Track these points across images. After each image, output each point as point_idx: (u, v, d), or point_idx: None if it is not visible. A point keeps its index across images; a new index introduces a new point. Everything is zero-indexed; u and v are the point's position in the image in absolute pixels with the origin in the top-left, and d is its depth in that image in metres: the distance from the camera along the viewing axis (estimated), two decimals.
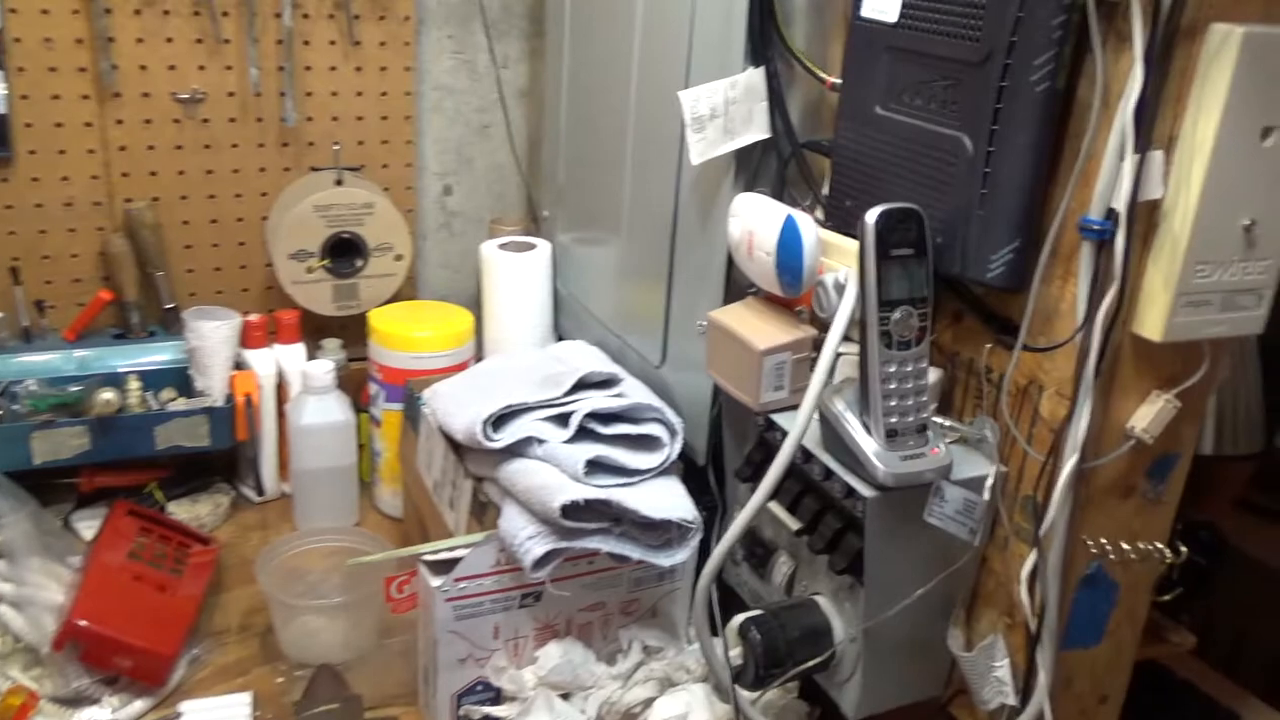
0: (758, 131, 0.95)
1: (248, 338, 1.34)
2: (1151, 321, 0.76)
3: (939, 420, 0.90)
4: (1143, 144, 0.71)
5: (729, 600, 1.05)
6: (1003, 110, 0.77)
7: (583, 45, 1.28)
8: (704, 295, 1.03)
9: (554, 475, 0.94)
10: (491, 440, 0.98)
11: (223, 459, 1.36)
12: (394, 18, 1.34)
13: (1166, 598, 0.91)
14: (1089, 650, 0.90)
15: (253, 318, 1.34)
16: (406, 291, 1.45)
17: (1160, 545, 0.88)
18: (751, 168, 0.98)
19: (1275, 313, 1.76)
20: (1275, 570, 1.95)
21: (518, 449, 0.99)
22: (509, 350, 1.32)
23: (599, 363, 1.07)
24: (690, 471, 1.08)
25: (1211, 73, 0.70)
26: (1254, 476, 2.13)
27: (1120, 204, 0.72)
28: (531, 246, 1.34)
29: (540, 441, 0.98)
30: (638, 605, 1.07)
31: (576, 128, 1.30)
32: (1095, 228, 0.74)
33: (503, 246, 1.34)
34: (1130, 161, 0.71)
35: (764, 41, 0.94)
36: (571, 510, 0.92)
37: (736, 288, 1.02)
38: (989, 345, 0.86)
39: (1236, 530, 2.04)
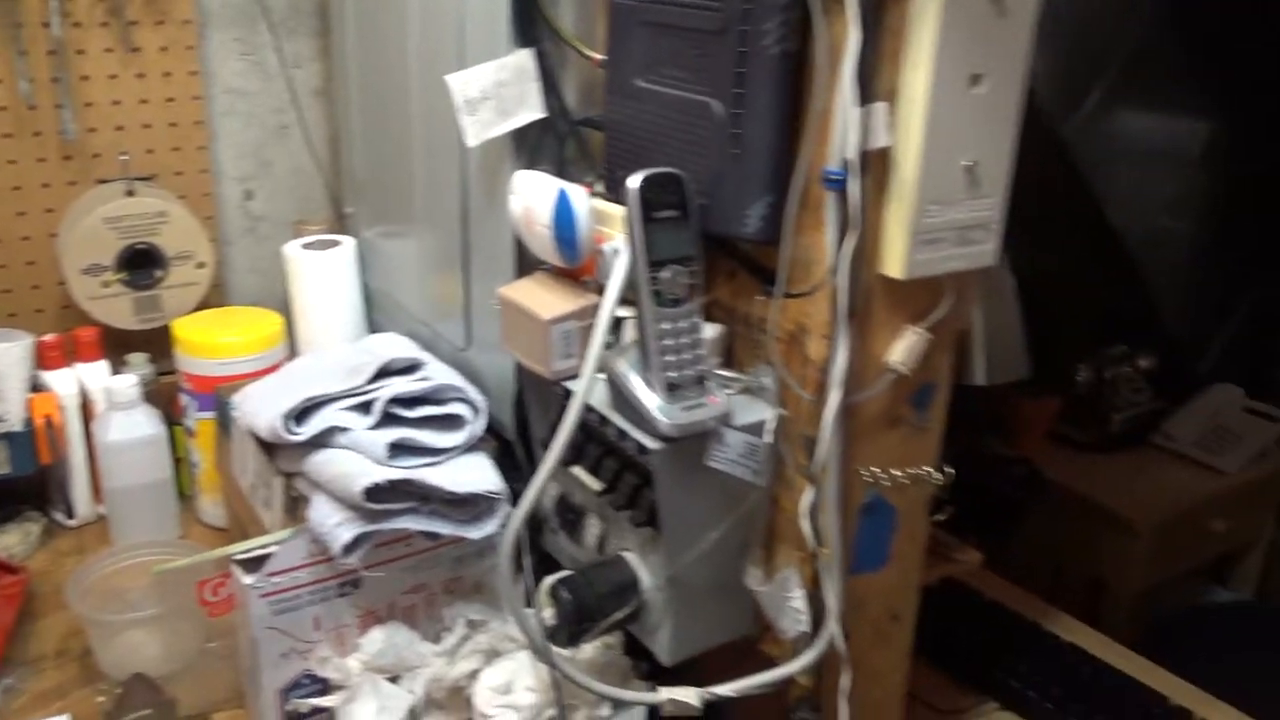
0: (532, 111, 0.99)
1: (44, 358, 1.30)
2: (894, 261, 0.83)
3: (722, 373, 0.95)
4: (865, 97, 0.77)
5: (554, 569, 1.08)
6: (744, 75, 0.82)
7: (365, 39, 1.29)
8: (498, 274, 1.06)
9: (357, 462, 0.96)
10: (293, 434, 0.98)
11: (31, 485, 1.32)
12: (173, 22, 1.31)
13: (940, 517, 0.98)
14: (877, 573, 0.97)
15: (47, 337, 1.30)
16: (215, 299, 1.42)
17: (930, 469, 0.95)
18: (530, 147, 1.01)
19: (1043, 251, 1.88)
20: (1085, 497, 2.11)
21: (322, 440, 1.00)
22: (321, 349, 1.32)
23: (402, 350, 1.09)
24: (507, 448, 1.11)
25: (919, 28, 0.76)
26: (1062, 411, 2.30)
27: (851, 154, 0.78)
28: (335, 244, 1.34)
29: (343, 430, 0.99)
30: (461, 583, 1.09)
31: (369, 122, 1.31)
32: (835, 178, 0.80)
33: (306, 246, 1.34)
34: (855, 114, 0.77)
35: (529, 23, 0.98)
36: (375, 493, 0.93)
37: (529, 264, 1.05)
38: (759, 298, 0.92)
39: (1050, 463, 2.19)
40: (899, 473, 0.93)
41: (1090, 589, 2.15)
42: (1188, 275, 2.29)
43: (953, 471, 0.96)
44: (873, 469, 0.92)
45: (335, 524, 0.94)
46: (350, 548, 0.94)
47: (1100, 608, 2.12)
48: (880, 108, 0.78)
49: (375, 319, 1.37)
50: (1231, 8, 2.03)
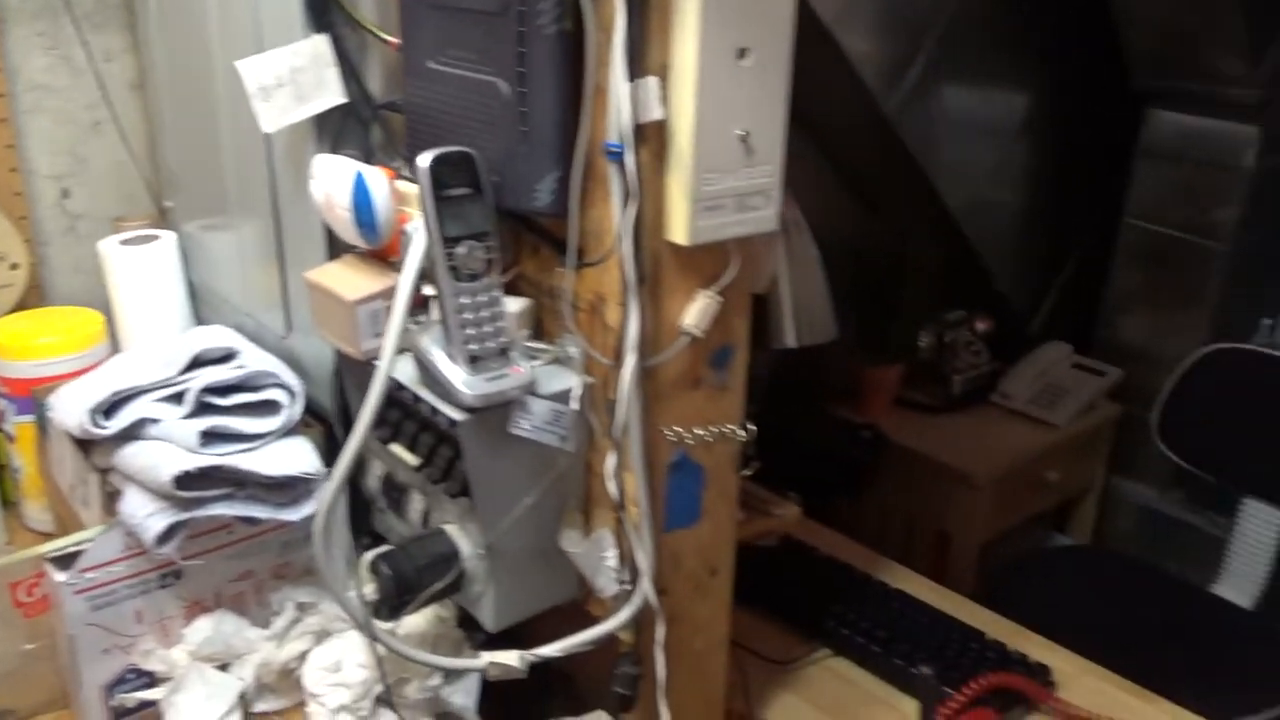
0: (332, 97, 1.00)
1: None
2: (678, 228, 0.87)
3: (530, 344, 0.98)
4: (637, 72, 0.81)
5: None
6: (525, 54, 0.85)
7: (170, 29, 1.27)
8: (311, 260, 1.07)
9: (167, 451, 0.96)
10: (101, 428, 0.98)
11: None
12: None
13: (747, 473, 1.03)
14: (692, 529, 1.01)
15: None
16: (34, 301, 1.39)
17: (733, 427, 1.00)
18: (333, 132, 1.02)
19: (883, 225, 1.96)
20: (930, 456, 2.21)
21: (133, 433, 0.99)
22: (142, 345, 1.30)
23: (217, 339, 1.08)
24: (330, 432, 1.12)
25: (684, 4, 0.80)
26: (907, 377, 2.40)
27: (626, 127, 0.82)
28: (154, 239, 1.33)
29: (154, 422, 0.99)
30: (290, 568, 1.10)
31: (180, 114, 1.30)
32: (614, 150, 0.84)
33: (124, 242, 1.32)
34: (625, 89, 0.81)
35: (323, 9, 0.98)
36: (186, 481, 0.93)
37: (340, 249, 1.06)
38: (560, 270, 0.95)
39: (897, 427, 2.30)
40: (703, 431, 0.98)
41: (938, 542, 2.26)
42: (1014, 242, 2.42)
43: (755, 429, 1.01)
44: (676, 429, 0.96)
45: (147, 515, 0.94)
46: (163, 538, 0.94)
47: (947, 560, 2.23)
48: (651, 82, 0.82)
49: (201, 313, 1.36)
50: None
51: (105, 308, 1.33)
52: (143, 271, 1.30)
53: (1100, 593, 1.98)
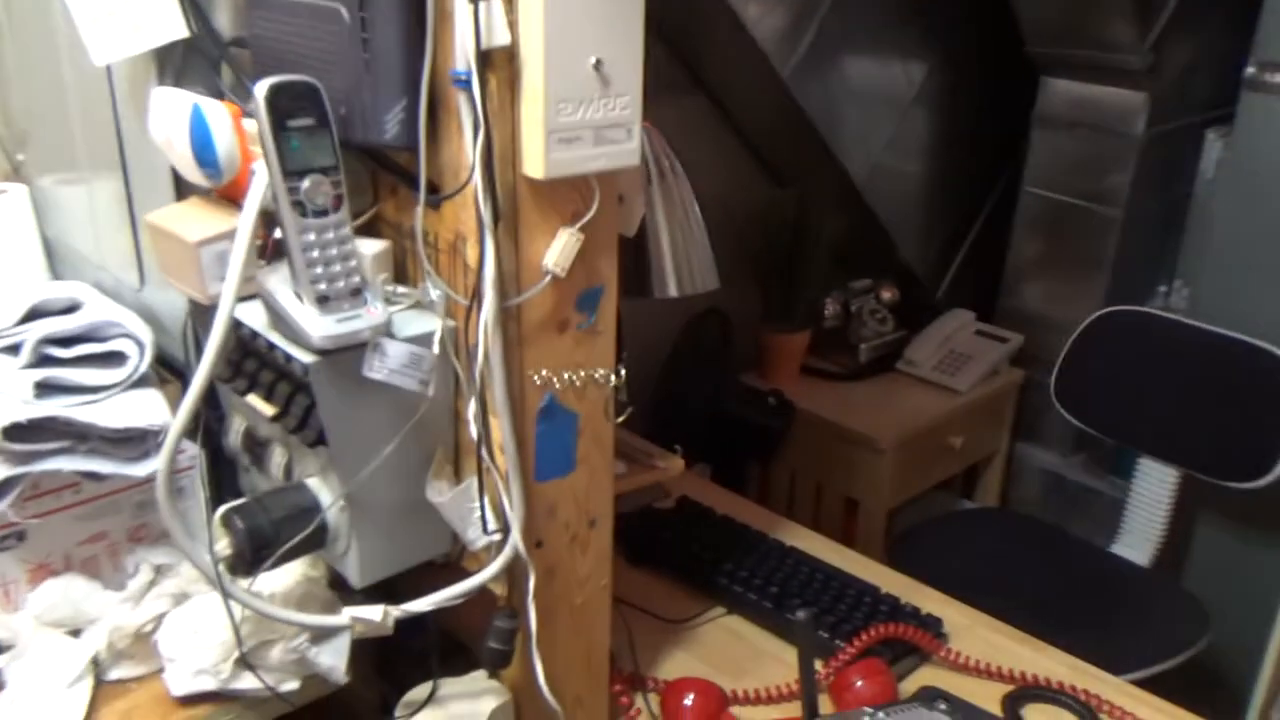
0: (172, 29, 0.95)
1: None
2: (533, 161, 0.84)
3: (393, 289, 0.95)
4: None
5: None
6: None
7: None
8: (159, 205, 1.02)
9: None
10: None
11: None
12: None
13: (620, 419, 1.01)
14: (567, 478, 0.99)
15: None
16: None
17: (604, 371, 0.97)
18: (176, 70, 0.97)
19: (786, 192, 1.95)
20: (836, 423, 2.21)
21: None
22: None
23: (59, 290, 1.03)
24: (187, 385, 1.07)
25: None
26: (814, 344, 2.40)
27: (470, 53, 0.79)
28: (3, 192, 1.26)
29: None
30: (147, 530, 1.05)
31: (22, 61, 1.23)
32: (462, 78, 0.81)
33: None
34: (466, 10, 0.78)
35: None
36: (16, 433, 0.88)
37: (189, 192, 1.01)
38: (420, 211, 0.92)
39: (804, 394, 2.30)
40: (572, 376, 0.95)
41: (847, 509, 2.27)
42: (917, 211, 2.44)
43: (624, 372, 0.99)
44: (544, 372, 0.93)
45: None
46: None
47: (856, 527, 2.24)
48: (495, 4, 0.79)
49: (59, 271, 1.29)
50: None
51: None
52: None
53: (999, 552, 2.01)
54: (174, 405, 1.02)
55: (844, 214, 2.29)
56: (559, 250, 0.89)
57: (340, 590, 1.07)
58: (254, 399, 0.97)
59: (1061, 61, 2.23)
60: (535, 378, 0.93)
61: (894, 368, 2.42)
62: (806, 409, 2.24)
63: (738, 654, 1.27)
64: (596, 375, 0.97)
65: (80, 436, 0.92)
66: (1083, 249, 2.32)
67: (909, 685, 1.21)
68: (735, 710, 1.17)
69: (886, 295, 2.48)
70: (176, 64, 0.97)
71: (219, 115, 0.87)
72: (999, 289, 2.49)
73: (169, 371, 1.08)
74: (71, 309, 1.01)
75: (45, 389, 0.92)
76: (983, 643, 1.30)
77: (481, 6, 0.78)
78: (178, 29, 0.94)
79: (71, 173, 1.20)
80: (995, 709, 1.18)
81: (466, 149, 0.83)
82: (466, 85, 0.81)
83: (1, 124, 1.36)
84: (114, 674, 0.99)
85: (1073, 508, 2.41)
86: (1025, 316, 2.44)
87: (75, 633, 0.99)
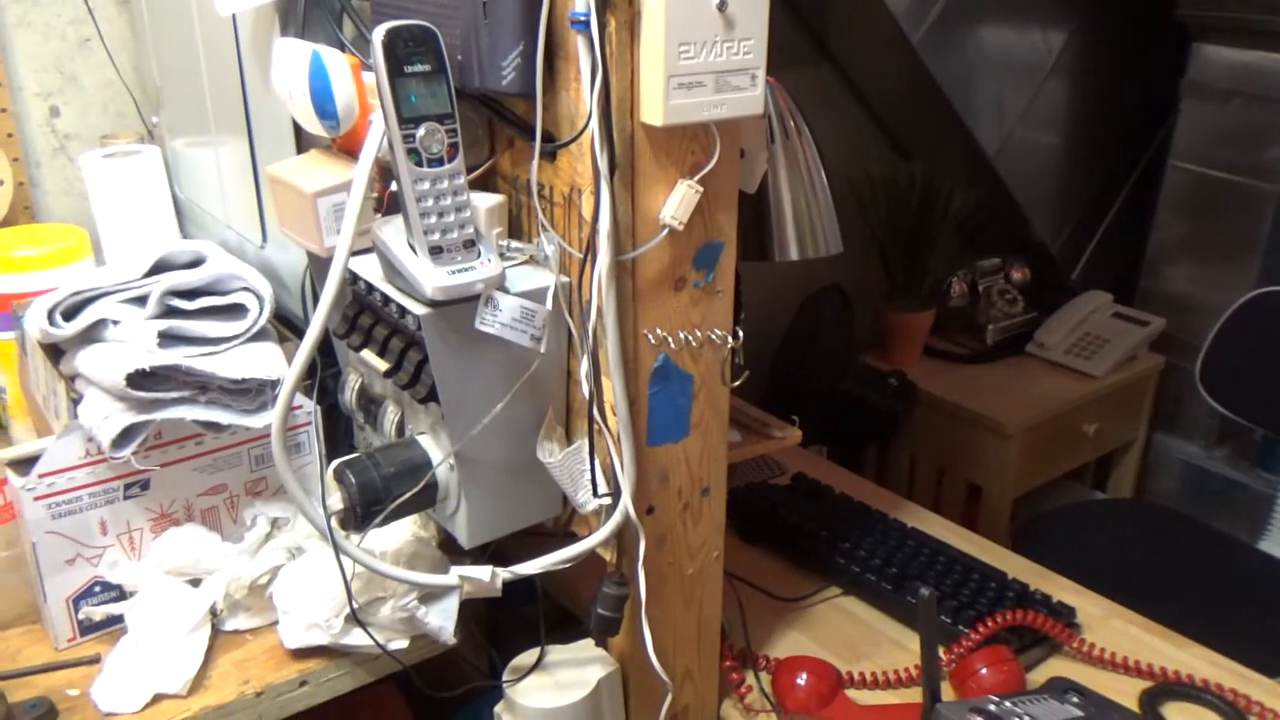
0: None
1: None
2: (651, 108, 0.81)
3: (507, 243, 0.93)
4: None
5: None
6: None
7: None
8: (280, 160, 1.02)
9: (123, 351, 0.92)
10: (59, 328, 0.94)
11: None
12: None
13: (736, 383, 0.97)
14: (679, 444, 0.96)
15: None
16: (23, 220, 1.36)
17: (721, 332, 0.94)
18: (298, 23, 0.97)
19: (912, 163, 1.87)
20: (961, 406, 2.13)
21: (93, 335, 0.96)
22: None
23: (185, 245, 1.04)
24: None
25: None
26: (939, 324, 2.32)
27: None
28: (137, 153, 1.29)
29: (115, 323, 0.95)
30: (265, 484, 1.06)
31: (160, 27, 1.26)
32: (581, 19, 0.78)
33: (108, 156, 1.29)
34: None
35: None
36: (140, 380, 0.89)
37: (309, 146, 1.01)
38: (535, 162, 0.89)
39: (928, 376, 2.22)
40: (687, 336, 0.92)
41: (969, 495, 2.18)
42: (1053, 186, 2.32)
43: (741, 335, 0.95)
44: (658, 331, 0.90)
45: (104, 416, 0.90)
46: (119, 442, 0.90)
47: (979, 513, 2.16)
48: None
49: (187, 229, 1.32)
50: None
51: (94, 227, 1.30)
52: (126, 186, 1.26)
53: (1136, 544, 1.89)
54: (291, 361, 1.02)
55: (973, 189, 2.20)
56: (677, 202, 0.85)
57: (450, 552, 1.06)
58: (368, 354, 0.96)
59: (1218, 25, 2.08)
60: (650, 337, 0.90)
61: (1023, 350, 2.31)
62: (929, 390, 2.16)
63: (854, 636, 1.22)
64: (713, 336, 0.93)
65: (201, 386, 0.93)
66: (1234, 227, 2.17)
67: (1037, 676, 1.15)
68: (851, 693, 1.12)
69: (1017, 275, 2.37)
70: (299, 17, 0.97)
71: (338, 64, 0.86)
72: (1140, 270, 2.35)
73: (288, 329, 1.09)
74: (196, 263, 1.02)
75: (168, 339, 0.93)
76: (1119, 635, 1.22)
77: None
78: None
79: (202, 134, 1.22)
80: (1132, 705, 1.10)
81: (584, 96, 0.80)
82: (585, 27, 0.78)
83: (139, 89, 1.40)
84: (230, 624, 1.00)
85: (1216, 502, 2.26)
86: (1168, 299, 2.30)
87: (195, 582, 1.00)
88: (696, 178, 0.86)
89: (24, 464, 0.93)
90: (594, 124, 0.79)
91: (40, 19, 1.35)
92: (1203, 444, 2.32)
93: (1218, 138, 2.16)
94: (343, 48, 1.00)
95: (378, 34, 0.79)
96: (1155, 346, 2.30)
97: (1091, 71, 2.23)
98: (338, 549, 0.89)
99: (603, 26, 0.77)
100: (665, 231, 0.86)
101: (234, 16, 1.01)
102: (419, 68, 0.81)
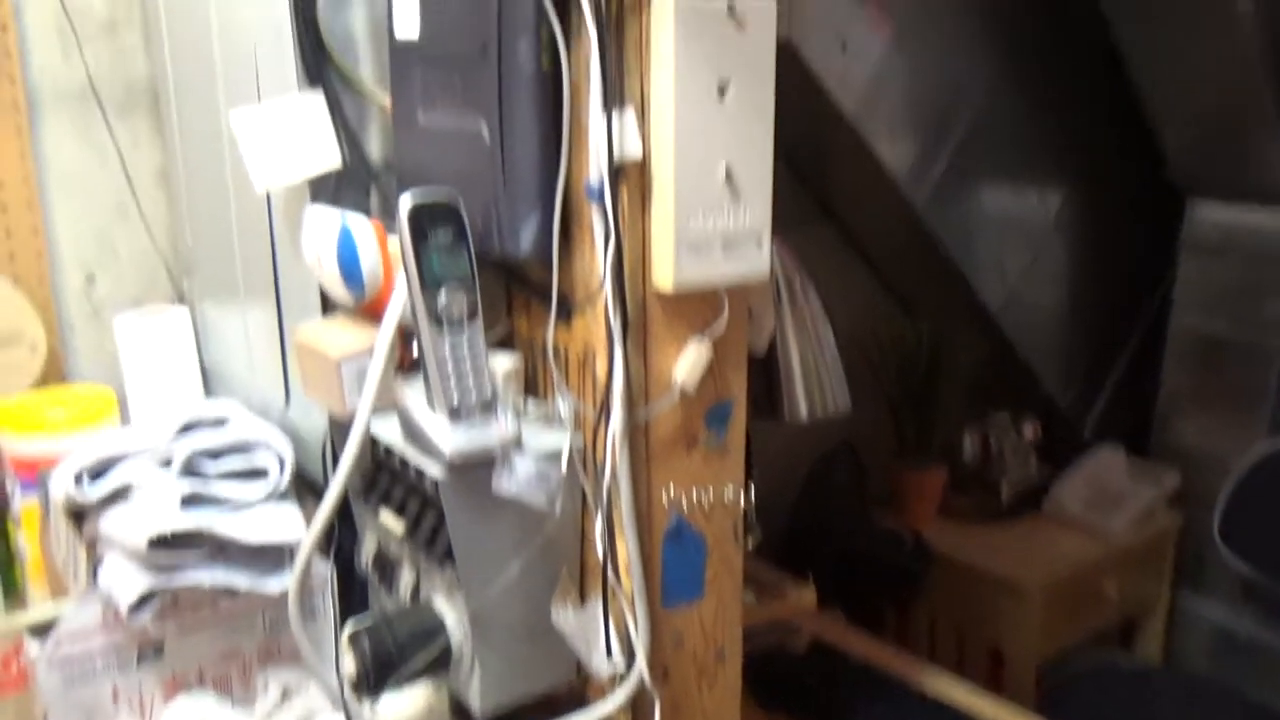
0: (328, 159, 1.00)
1: None
2: (663, 272, 0.84)
3: (524, 403, 0.95)
4: (611, 106, 0.79)
5: None
6: (505, 95, 0.84)
7: (186, 112, 1.31)
8: (306, 324, 1.05)
9: (147, 515, 0.93)
10: (85, 490, 0.95)
11: None
12: (2, 107, 1.32)
13: (749, 544, 0.97)
14: (694, 605, 0.95)
15: None
16: (53, 384, 1.39)
17: (733, 491, 0.94)
18: (330, 197, 1.02)
19: (919, 321, 1.89)
20: (977, 567, 2.10)
21: (117, 497, 0.97)
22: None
23: (212, 406, 1.07)
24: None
25: (660, 39, 0.79)
26: (951, 482, 2.31)
27: (601, 163, 0.80)
28: (168, 317, 1.33)
29: (140, 485, 0.96)
30: (279, 648, 1.05)
31: (196, 196, 1.32)
32: (595, 190, 0.82)
33: (139, 320, 1.33)
34: (601, 124, 0.79)
35: (318, 71, 0.99)
36: (162, 544, 0.90)
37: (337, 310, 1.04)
38: (551, 325, 0.92)
39: (944, 535, 2.20)
40: (700, 495, 0.92)
41: (992, 660, 2.13)
42: (1058, 341, 2.35)
43: (754, 494, 0.96)
44: (672, 490, 0.91)
45: (123, 581, 0.90)
46: (138, 606, 0.90)
47: (1003, 679, 2.10)
48: (628, 115, 0.80)
49: (213, 391, 1.35)
50: (1068, 75, 2.14)
51: (122, 389, 1.33)
52: (155, 347, 1.30)
53: (1166, 717, 1.83)
54: (310, 523, 1.03)
55: (980, 345, 2.23)
56: (688, 363, 0.88)
57: (463, 719, 1.04)
58: (385, 515, 0.97)
59: (1209, 184, 2.15)
60: (663, 496, 0.91)
61: (1039, 508, 2.29)
62: (945, 551, 2.13)
63: None
64: (725, 495, 0.94)
65: (219, 548, 0.94)
66: (1243, 381, 2.18)
67: None
68: None
69: (1029, 431, 2.38)
70: (329, 189, 1.02)
71: (365, 231, 0.90)
72: (1151, 424, 2.36)
73: (308, 491, 1.10)
74: (220, 424, 1.04)
75: (191, 501, 0.94)
76: None
77: (615, 118, 0.79)
78: (334, 159, 0.99)
79: (231, 298, 1.27)
80: None
81: (598, 261, 0.84)
82: (599, 196, 0.82)
83: (172, 256, 1.46)
84: None
85: (1247, 665, 2.20)
86: (1182, 454, 2.29)
87: None
88: (707, 339, 0.88)
89: (41, 629, 0.93)
90: (607, 288, 0.82)
91: (83, 192, 1.42)
92: (1229, 602, 2.26)
93: (1218, 293, 2.20)
94: (370, 215, 1.05)
95: (403, 203, 0.83)
96: (1173, 502, 2.28)
97: (1090, 229, 2.30)
98: (349, 716, 0.88)
99: (615, 196, 0.81)
100: (677, 392, 0.88)
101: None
102: (442, 235, 0.85)
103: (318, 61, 0.99)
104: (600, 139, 0.79)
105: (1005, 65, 2.01)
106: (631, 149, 0.80)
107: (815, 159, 1.99)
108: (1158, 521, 2.25)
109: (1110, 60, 2.01)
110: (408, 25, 0.92)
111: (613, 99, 0.79)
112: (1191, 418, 2.28)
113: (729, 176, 0.83)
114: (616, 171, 0.80)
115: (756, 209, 0.86)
